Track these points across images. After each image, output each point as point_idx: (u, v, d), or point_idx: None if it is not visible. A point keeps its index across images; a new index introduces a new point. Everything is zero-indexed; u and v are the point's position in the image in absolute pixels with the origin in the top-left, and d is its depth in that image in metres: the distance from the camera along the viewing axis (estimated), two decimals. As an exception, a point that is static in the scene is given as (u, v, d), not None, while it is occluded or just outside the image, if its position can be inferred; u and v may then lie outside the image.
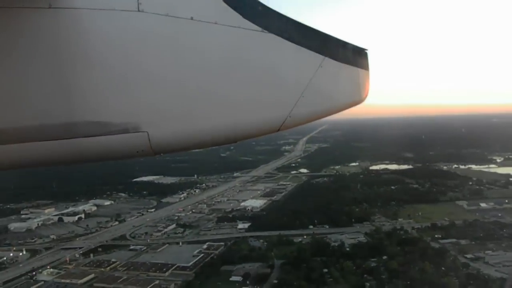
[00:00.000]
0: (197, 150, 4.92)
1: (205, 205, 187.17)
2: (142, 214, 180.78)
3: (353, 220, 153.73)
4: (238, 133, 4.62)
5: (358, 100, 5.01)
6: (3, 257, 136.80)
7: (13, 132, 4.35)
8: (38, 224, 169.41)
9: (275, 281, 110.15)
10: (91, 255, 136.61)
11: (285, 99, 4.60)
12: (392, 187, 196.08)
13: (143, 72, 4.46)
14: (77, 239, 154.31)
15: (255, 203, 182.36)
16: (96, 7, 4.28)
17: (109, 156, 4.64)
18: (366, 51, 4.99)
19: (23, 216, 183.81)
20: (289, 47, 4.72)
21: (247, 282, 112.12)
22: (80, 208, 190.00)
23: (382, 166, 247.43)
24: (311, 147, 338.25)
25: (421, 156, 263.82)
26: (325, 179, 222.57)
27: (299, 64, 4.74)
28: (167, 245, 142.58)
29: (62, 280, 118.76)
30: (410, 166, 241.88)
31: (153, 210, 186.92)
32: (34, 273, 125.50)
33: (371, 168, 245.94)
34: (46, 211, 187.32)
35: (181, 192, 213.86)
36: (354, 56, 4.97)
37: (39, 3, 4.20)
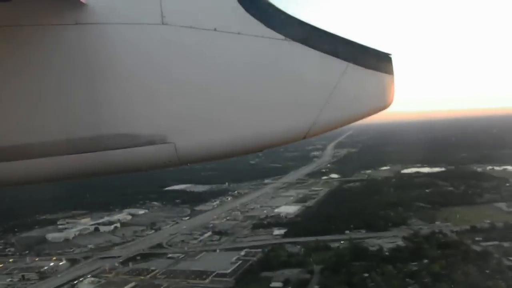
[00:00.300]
0: (226, 159, 4.93)
1: (238, 212, 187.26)
2: (177, 223, 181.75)
3: (389, 224, 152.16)
4: (264, 141, 4.64)
5: (383, 105, 4.85)
6: (44, 266, 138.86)
7: (43, 146, 4.46)
8: (75, 234, 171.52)
9: (316, 287, 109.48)
10: (130, 263, 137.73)
11: (310, 106, 4.57)
12: (426, 190, 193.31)
13: (169, 84, 4.52)
14: (115, 248, 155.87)
15: (288, 209, 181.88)
16: (121, 22, 4.42)
17: (136, 168, 4.72)
18: (390, 55, 4.90)
19: (60, 226, 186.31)
20: (313, 55, 4.68)
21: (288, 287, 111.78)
22: (115, 217, 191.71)
23: (414, 170, 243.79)
24: (339, 152, 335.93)
25: (453, 158, 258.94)
26: (357, 183, 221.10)
27: (323, 71, 4.68)
28: (204, 252, 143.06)
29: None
30: (443, 169, 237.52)
31: (187, 218, 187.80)
32: (75, 282, 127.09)
33: (402, 171, 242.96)
34: (82, 221, 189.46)
35: (213, 200, 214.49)
36: (378, 61, 4.85)
37: (66, 20, 4.34)
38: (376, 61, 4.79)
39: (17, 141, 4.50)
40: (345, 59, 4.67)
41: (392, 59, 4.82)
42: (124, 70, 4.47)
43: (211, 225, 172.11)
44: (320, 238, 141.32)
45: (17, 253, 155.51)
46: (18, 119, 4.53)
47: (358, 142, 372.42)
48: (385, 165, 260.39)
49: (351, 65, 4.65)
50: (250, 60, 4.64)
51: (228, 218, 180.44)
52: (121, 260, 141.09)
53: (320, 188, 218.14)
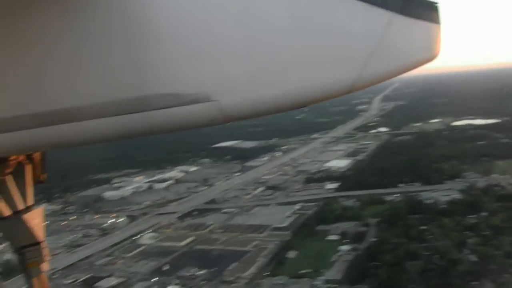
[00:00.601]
0: (271, 115, 4.85)
1: (289, 167, 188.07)
2: (229, 178, 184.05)
3: (443, 177, 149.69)
4: (308, 96, 4.51)
5: (430, 56, 4.62)
6: (104, 223, 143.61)
7: (89, 108, 4.48)
8: (130, 192, 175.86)
9: (373, 239, 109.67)
10: (187, 219, 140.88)
11: (354, 59, 4.38)
12: (480, 143, 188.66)
13: (211, 41, 4.46)
14: (170, 204, 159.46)
15: (339, 163, 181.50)
16: None
17: (182, 127, 4.68)
18: (436, 4, 4.62)
19: (115, 185, 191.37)
20: (356, 6, 4.46)
21: (345, 240, 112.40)
22: (168, 175, 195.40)
23: (466, 122, 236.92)
24: (387, 105, 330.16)
25: (508, 109, 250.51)
26: (407, 137, 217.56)
27: (367, 23, 4.48)
28: (258, 207, 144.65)
29: (164, 244, 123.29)
30: (498, 120, 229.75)
31: (238, 174, 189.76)
32: (135, 237, 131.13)
33: (454, 124, 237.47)
34: (136, 179, 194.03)
35: (263, 156, 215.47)
36: (424, 10, 4.60)
37: None
38: (422, 10, 4.59)
39: (65, 104, 4.58)
40: (389, 9, 4.49)
41: (439, 7, 4.62)
42: (166, 29, 4.49)
43: (263, 180, 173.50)
44: (374, 191, 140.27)
45: (77, 211, 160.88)
46: (66, 82, 4.59)
47: (406, 95, 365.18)
48: (436, 118, 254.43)
49: (396, 15, 4.49)
50: (292, 14, 4.53)
51: (279, 173, 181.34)
52: (177, 216, 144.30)
53: (370, 142, 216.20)
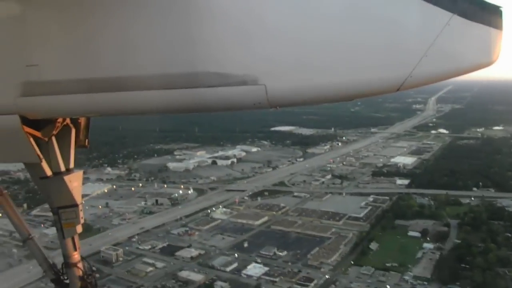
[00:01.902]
0: (316, 105, 4.74)
1: (353, 158, 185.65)
2: (292, 163, 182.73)
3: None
4: (356, 90, 4.33)
5: (487, 62, 4.25)
6: (173, 193, 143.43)
7: (139, 79, 4.54)
8: (194, 165, 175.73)
9: (457, 241, 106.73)
10: (258, 198, 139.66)
11: (407, 57, 4.17)
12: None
13: (264, 25, 4.41)
14: (237, 182, 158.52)
15: (405, 160, 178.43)
16: None
17: (227, 107, 4.62)
18: (500, 9, 4.28)
19: (177, 156, 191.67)
20: (415, 3, 4.26)
21: (427, 238, 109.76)
22: (230, 152, 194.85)
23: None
24: (443, 107, 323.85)
25: None
26: (471, 141, 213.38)
27: (425, 21, 4.28)
28: (330, 194, 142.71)
29: (238, 220, 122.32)
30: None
31: (301, 159, 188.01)
32: (207, 211, 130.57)
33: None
34: (198, 153, 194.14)
35: (323, 144, 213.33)
36: (487, 14, 4.29)
37: None
38: (484, 14, 4.29)
39: (115, 73, 4.62)
40: (450, 10, 4.25)
41: (503, 13, 4.29)
42: (220, 9, 4.46)
43: (329, 168, 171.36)
44: (448, 192, 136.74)
45: (143, 179, 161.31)
46: (118, 52, 4.60)
47: (462, 99, 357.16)
48: (498, 125, 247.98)
49: (456, 16, 4.24)
50: (348, 4, 4.37)
51: (344, 163, 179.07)
52: (247, 194, 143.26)
53: (432, 142, 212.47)
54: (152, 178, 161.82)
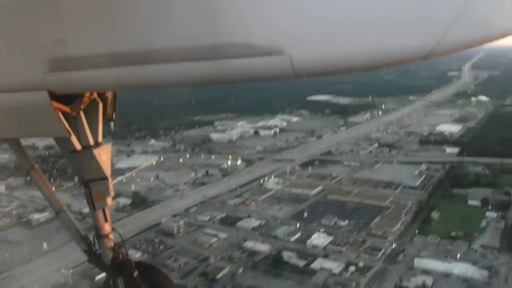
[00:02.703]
0: (342, 74, 4.43)
1: (396, 127, 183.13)
2: (335, 132, 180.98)
3: None
4: (383, 58, 4.09)
5: None
6: (223, 164, 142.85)
7: (164, 52, 4.44)
8: (237, 135, 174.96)
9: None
10: (309, 168, 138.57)
11: (435, 25, 3.86)
12: None
13: None
14: (283, 152, 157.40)
15: (450, 128, 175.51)
16: None
17: (252, 78, 4.49)
18: None
19: (218, 127, 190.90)
20: None
21: (489, 207, 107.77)
22: (271, 122, 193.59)
23: None
24: (480, 74, 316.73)
25: None
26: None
27: None
28: (380, 163, 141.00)
29: (293, 190, 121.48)
30: None
31: (344, 128, 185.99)
32: (259, 181, 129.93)
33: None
34: (239, 123, 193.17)
35: (363, 113, 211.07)
36: None
37: None
38: None
39: (140, 46, 4.54)
40: None
41: None
42: None
43: (374, 137, 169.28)
44: (502, 161, 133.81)
45: (189, 150, 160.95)
46: (142, 24, 4.54)
47: (498, 65, 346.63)
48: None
49: None
50: None
51: (388, 131, 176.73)
52: (297, 164, 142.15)
53: (475, 110, 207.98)
54: (198, 149, 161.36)
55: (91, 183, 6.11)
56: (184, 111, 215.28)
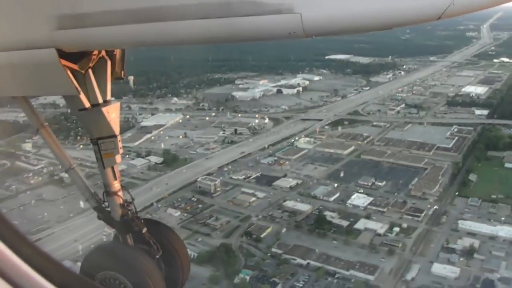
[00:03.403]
0: (353, 34, 4.52)
1: (420, 87, 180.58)
2: (359, 92, 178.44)
3: None
4: (394, 18, 4.06)
5: None
6: (250, 123, 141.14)
7: (173, 9, 4.44)
8: (260, 94, 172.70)
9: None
10: (338, 127, 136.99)
11: None
12: None
13: None
14: (309, 111, 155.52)
15: (476, 89, 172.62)
16: None
17: (262, 37, 4.51)
18: None
19: (240, 86, 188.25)
20: None
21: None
22: (293, 81, 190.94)
23: None
24: (500, 35, 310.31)
25: None
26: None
27: None
28: (410, 124, 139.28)
29: (325, 150, 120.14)
30: None
31: (367, 88, 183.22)
32: (289, 140, 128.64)
33: None
34: (261, 82, 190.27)
35: (385, 73, 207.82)
36: None
37: None
38: None
39: (150, 3, 4.52)
40: None
41: None
42: None
43: (399, 97, 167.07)
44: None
45: (213, 108, 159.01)
46: None
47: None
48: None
49: None
50: None
51: (413, 92, 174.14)
52: (326, 123, 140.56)
53: (500, 71, 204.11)
54: (222, 107, 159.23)
55: (100, 140, 6.05)
56: (202, 70, 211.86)
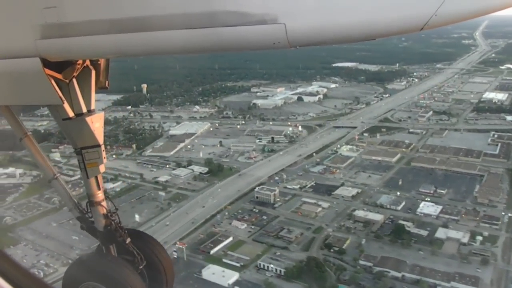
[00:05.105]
0: (337, 44, 4.40)
1: (440, 94, 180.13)
2: (381, 99, 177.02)
3: None
4: (377, 29, 4.03)
5: None
6: (284, 131, 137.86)
7: (159, 19, 4.39)
8: (281, 102, 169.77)
9: None
10: (377, 135, 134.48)
11: None
12: None
13: None
14: (338, 118, 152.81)
15: (497, 96, 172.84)
16: None
17: (247, 46, 4.46)
18: None
19: (258, 94, 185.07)
20: None
21: None
22: (310, 89, 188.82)
23: None
24: (496, 42, 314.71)
25: None
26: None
27: None
28: (446, 131, 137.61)
29: (372, 157, 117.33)
30: None
31: (387, 95, 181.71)
32: (331, 148, 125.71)
33: None
34: (278, 90, 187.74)
35: (398, 80, 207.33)
36: None
37: None
38: None
39: (136, 13, 4.46)
40: None
41: None
42: None
43: (424, 104, 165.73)
44: None
45: (239, 116, 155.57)
46: None
47: (509, 33, 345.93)
48: None
49: None
50: None
51: (435, 99, 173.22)
52: (361, 131, 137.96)
53: (511, 78, 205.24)
54: (248, 115, 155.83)
55: (84, 150, 5.90)
56: (212, 78, 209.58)
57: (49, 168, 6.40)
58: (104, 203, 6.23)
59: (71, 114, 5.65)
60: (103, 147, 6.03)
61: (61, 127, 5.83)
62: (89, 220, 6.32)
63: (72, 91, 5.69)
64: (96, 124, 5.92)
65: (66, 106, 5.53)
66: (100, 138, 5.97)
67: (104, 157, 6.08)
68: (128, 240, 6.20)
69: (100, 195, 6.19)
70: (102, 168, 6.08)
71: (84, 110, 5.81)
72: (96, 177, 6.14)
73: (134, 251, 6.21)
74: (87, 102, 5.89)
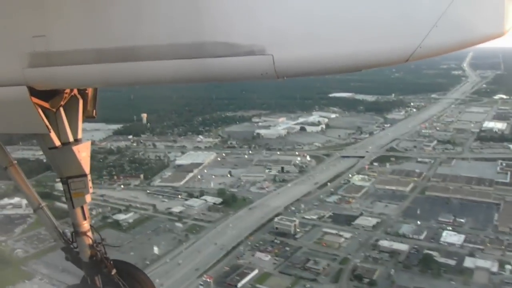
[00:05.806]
0: (323, 75, 4.51)
1: (440, 124, 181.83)
2: (383, 129, 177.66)
3: None
4: (363, 61, 4.11)
5: (499, 32, 3.95)
6: (293, 161, 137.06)
7: (148, 49, 4.39)
8: (284, 132, 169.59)
9: None
10: (386, 164, 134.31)
11: (416, 28, 3.91)
12: None
13: None
14: (344, 148, 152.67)
15: (496, 125, 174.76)
16: None
17: (234, 77, 4.49)
18: None
19: (259, 123, 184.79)
20: None
21: None
22: (311, 118, 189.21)
23: None
24: (484, 73, 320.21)
25: None
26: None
27: None
28: (454, 160, 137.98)
29: (386, 187, 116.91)
30: None
31: (388, 125, 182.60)
32: (343, 178, 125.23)
33: None
34: (280, 120, 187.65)
35: (397, 110, 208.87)
36: None
37: None
38: None
39: (124, 43, 4.47)
40: None
41: None
42: None
43: (427, 134, 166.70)
44: None
45: (244, 146, 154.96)
46: (127, 22, 4.45)
47: (495, 64, 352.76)
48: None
49: None
50: None
51: (437, 128, 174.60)
52: (370, 160, 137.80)
53: (506, 107, 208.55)
54: (253, 145, 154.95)
55: (70, 180, 5.86)
56: (211, 108, 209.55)
57: (34, 198, 6.41)
58: (89, 233, 6.19)
59: (57, 143, 5.62)
60: (89, 177, 6.00)
61: (47, 156, 5.79)
62: (74, 251, 6.32)
63: (59, 120, 5.64)
64: (83, 153, 5.89)
65: (53, 135, 5.49)
66: (87, 168, 5.95)
67: (90, 187, 6.05)
68: (114, 271, 6.17)
69: (86, 225, 6.16)
70: (88, 198, 6.04)
71: (71, 139, 5.78)
72: (82, 207, 6.10)
73: (120, 282, 6.20)
74: (74, 131, 5.85)
